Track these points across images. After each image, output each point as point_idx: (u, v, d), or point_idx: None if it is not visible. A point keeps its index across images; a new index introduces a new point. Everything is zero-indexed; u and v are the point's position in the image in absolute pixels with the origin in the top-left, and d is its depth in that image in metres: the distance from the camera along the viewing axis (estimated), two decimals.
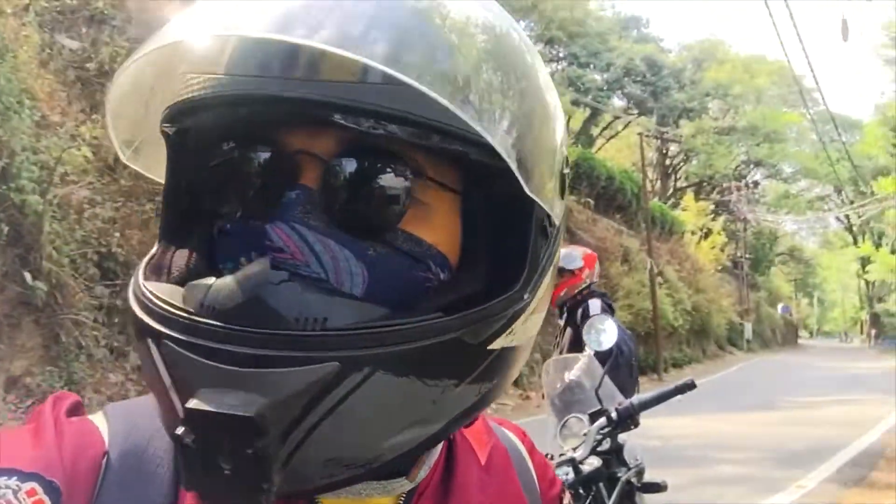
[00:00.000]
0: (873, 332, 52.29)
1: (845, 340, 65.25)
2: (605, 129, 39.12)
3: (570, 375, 2.71)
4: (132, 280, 0.56)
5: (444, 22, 0.53)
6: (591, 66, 37.51)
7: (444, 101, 0.48)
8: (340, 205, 0.53)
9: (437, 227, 0.56)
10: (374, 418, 0.51)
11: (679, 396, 2.52)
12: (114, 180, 7.90)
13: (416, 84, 0.47)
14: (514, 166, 0.51)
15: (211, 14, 0.53)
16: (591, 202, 21.32)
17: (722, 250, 33.47)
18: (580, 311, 3.99)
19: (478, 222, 0.57)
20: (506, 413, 11.54)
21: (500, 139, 0.51)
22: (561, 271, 4.23)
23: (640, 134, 26.26)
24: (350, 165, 0.53)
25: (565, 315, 4.32)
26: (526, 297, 0.56)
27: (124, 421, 0.58)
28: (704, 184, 43.96)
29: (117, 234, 7.41)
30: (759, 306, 43.01)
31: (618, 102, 40.57)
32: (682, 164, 44.22)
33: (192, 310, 0.50)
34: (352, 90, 0.50)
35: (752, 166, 48.18)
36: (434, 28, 0.52)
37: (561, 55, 36.96)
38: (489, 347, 0.54)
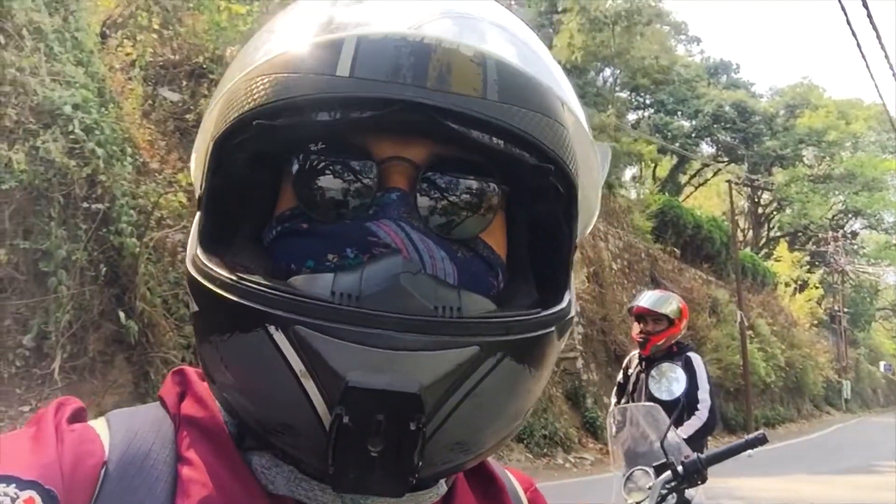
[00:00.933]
0: None
1: None
2: (693, 176, 38.39)
3: (636, 425, 2.65)
4: (201, 271, 0.56)
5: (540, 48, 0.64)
6: (679, 112, 37.05)
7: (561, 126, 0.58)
8: (435, 209, 0.57)
9: (499, 238, 0.61)
10: (499, 404, 0.55)
11: (750, 452, 2.42)
12: None
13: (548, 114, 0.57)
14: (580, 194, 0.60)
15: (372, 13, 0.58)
16: (678, 251, 20.83)
17: (818, 304, 32.01)
18: (679, 364, 3.88)
19: (522, 238, 0.63)
20: (584, 467, 11.27)
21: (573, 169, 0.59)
22: (659, 318, 4.13)
23: (728, 181, 25.62)
24: (446, 174, 0.57)
25: (642, 365, 4.21)
26: (572, 311, 0.61)
27: (126, 430, 0.58)
28: (799, 234, 42.35)
29: None
30: (858, 364, 40.82)
31: (706, 149, 39.83)
32: (774, 213, 42.81)
33: (326, 298, 0.51)
34: (476, 103, 0.54)
35: (849, 216, 46.15)
36: (543, 55, 0.63)
37: (647, 102, 36.71)
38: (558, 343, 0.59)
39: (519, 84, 0.56)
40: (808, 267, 34.47)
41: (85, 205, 6.65)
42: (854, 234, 46.28)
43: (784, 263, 31.77)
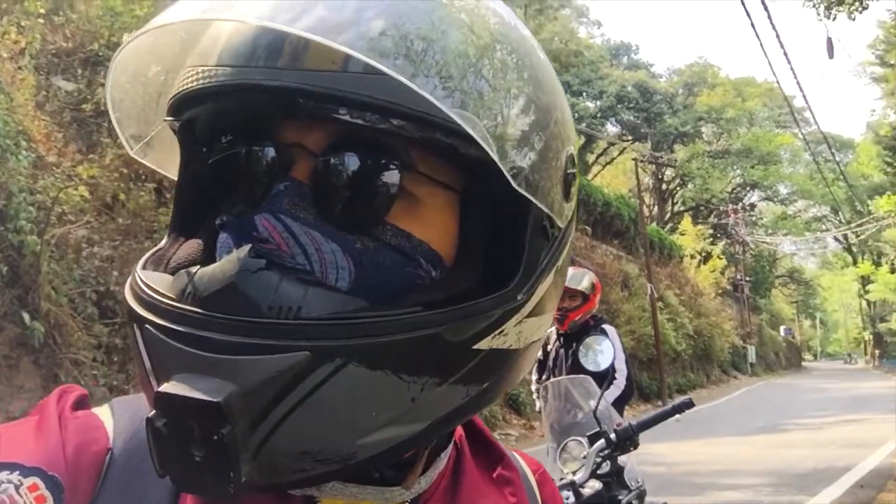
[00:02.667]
0: (877, 352, 52.10)
1: (849, 362, 64.80)
2: (600, 155, 39.35)
3: (567, 398, 2.70)
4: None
5: (437, 8, 0.52)
6: (584, 94, 37.87)
7: (418, 89, 0.47)
8: (329, 197, 0.53)
9: (428, 223, 0.55)
10: (346, 412, 0.50)
11: (678, 416, 2.51)
12: (111, 219, 7.92)
13: (391, 72, 0.47)
14: (495, 156, 0.50)
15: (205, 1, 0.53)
16: (589, 229, 21.33)
17: (722, 273, 33.44)
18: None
19: (473, 221, 0.56)
20: (510, 443, 11.46)
21: (478, 127, 0.49)
22: (575, 294, 4.22)
23: (634, 159, 26.38)
24: (338, 158, 0.53)
25: (560, 340, 4.30)
26: (520, 297, 0.55)
27: (130, 417, 0.57)
28: (701, 208, 44.12)
29: (115, 273, 7.41)
30: (761, 329, 42.91)
31: (612, 129, 40.89)
32: (678, 188, 44.40)
33: (174, 297, 0.51)
34: (332, 79, 0.50)
35: (747, 189, 48.41)
36: (424, 14, 0.51)
37: None
38: (475, 347, 0.53)
39: (399, 46, 0.49)
40: (711, 239, 35.90)
41: None
42: (752, 206, 48.49)
43: (688, 237, 32.98)
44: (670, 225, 39.87)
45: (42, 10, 8.44)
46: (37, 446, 0.52)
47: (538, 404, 4.56)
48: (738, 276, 39.02)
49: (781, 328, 52.95)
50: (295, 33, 0.47)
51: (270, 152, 0.54)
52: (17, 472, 0.50)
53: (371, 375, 0.49)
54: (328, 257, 0.52)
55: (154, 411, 0.47)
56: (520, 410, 12.72)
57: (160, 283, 0.53)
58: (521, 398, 12.57)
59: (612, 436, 2.47)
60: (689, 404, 2.52)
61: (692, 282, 29.32)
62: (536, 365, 4.59)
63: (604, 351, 2.80)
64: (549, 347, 4.46)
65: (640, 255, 23.52)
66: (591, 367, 2.76)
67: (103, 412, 0.58)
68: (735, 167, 44.67)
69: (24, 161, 6.81)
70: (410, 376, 0.51)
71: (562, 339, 4.34)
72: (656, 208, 42.40)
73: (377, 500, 0.58)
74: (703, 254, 32.55)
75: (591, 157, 38.32)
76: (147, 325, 0.50)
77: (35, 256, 6.56)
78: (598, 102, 38.31)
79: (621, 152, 38.34)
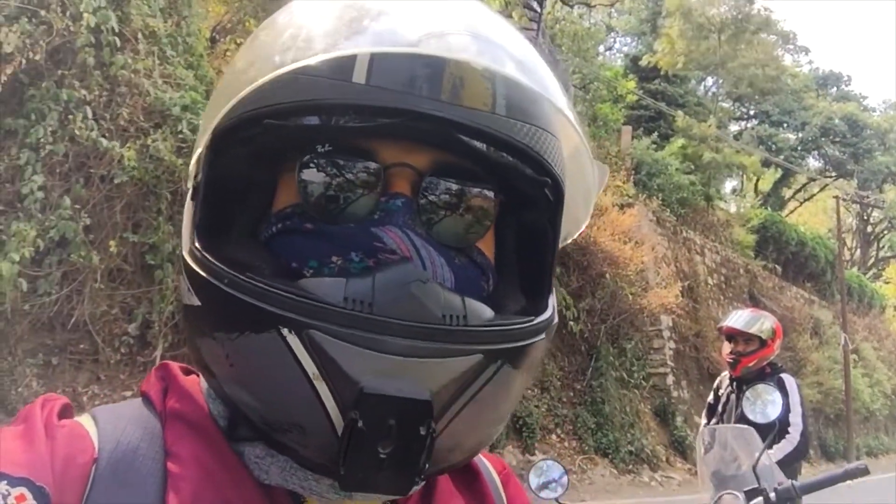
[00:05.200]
0: None
1: None
2: (798, 191, 36.79)
3: (728, 447, 2.54)
4: (204, 265, 0.56)
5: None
6: (784, 124, 35.59)
7: (578, 129, 0.61)
8: (436, 216, 0.59)
9: (489, 243, 0.63)
10: (496, 408, 0.57)
11: (850, 482, 2.29)
12: None
13: (570, 117, 0.59)
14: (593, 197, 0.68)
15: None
16: (779, 268, 20.00)
17: None
18: (772, 385, 3.73)
19: (509, 244, 0.65)
20: (671, 487, 10.96)
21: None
22: (750, 338, 3.98)
23: (836, 197, 24.44)
24: (448, 181, 0.59)
25: (732, 386, 4.06)
26: (556, 315, 0.64)
27: (113, 426, 0.58)
28: None
29: None
30: None
31: (813, 164, 38.12)
32: (885, 232, 40.54)
33: (337, 303, 0.52)
34: (486, 118, 0.57)
35: None
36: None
37: (751, 113, 35.45)
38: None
39: (524, 99, 0.59)
40: None
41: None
42: None
43: (894, 285, 30.00)
44: (873, 271, 36.47)
45: None
46: (24, 456, 0.53)
47: (702, 450, 4.33)
48: None
49: None
50: (513, 77, 0.56)
51: (374, 167, 0.57)
52: (5, 482, 0.50)
53: (515, 374, 0.57)
54: (439, 270, 0.57)
55: (355, 411, 0.50)
56: (685, 454, 12.11)
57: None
58: (687, 441, 11.97)
59: (772, 494, 2.29)
60: (864, 471, 2.28)
61: (894, 336, 26.63)
62: (706, 409, 4.36)
63: (774, 402, 2.60)
64: (721, 392, 4.21)
65: (836, 302, 21.71)
66: (756, 418, 2.57)
67: (86, 421, 0.59)
68: None
69: None
70: (530, 377, 0.60)
71: (734, 384, 4.08)
72: (859, 252, 38.95)
73: (366, 499, 0.59)
74: None
75: (787, 193, 35.96)
76: (314, 331, 0.51)
77: None
78: (800, 134, 35.82)
79: (822, 189, 35.63)
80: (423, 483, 0.57)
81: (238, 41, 8.87)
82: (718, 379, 4.41)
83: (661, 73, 23.96)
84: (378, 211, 0.57)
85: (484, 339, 0.54)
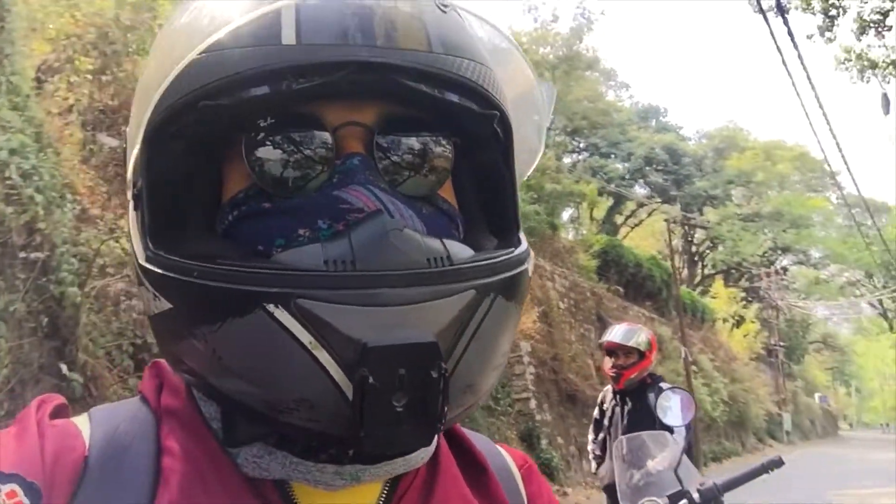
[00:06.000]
0: None
1: (887, 431, 62.75)
2: (628, 217, 39.23)
3: (642, 454, 2.55)
4: (167, 266, 0.55)
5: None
6: (613, 155, 37.96)
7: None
8: (395, 169, 0.58)
9: (449, 191, 0.62)
10: (496, 341, 0.57)
11: (765, 475, 2.35)
12: None
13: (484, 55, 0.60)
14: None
15: None
16: (621, 289, 21.11)
17: (754, 338, 32.79)
18: (653, 395, 3.84)
19: (467, 188, 0.64)
20: None
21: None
22: (630, 351, 4.11)
23: (666, 220, 26.23)
24: (400, 135, 0.58)
25: (616, 399, 4.16)
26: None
27: (107, 424, 0.58)
28: (732, 271, 43.51)
29: None
30: (796, 396, 41.84)
31: (640, 191, 40.82)
32: (707, 251, 43.98)
33: (316, 267, 0.51)
34: (426, 58, 0.55)
35: (779, 253, 47.77)
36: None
37: (581, 146, 37.53)
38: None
39: (455, 34, 0.58)
40: (743, 303, 35.28)
41: (23, 254, 6.33)
42: (784, 270, 47.79)
43: (721, 300, 32.51)
44: (700, 288, 39.33)
45: (91, 68, 8.69)
46: (15, 453, 0.53)
47: (594, 465, 4.39)
48: (772, 341, 38.18)
49: (816, 395, 51.63)
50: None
51: (325, 131, 0.56)
52: None
53: (509, 307, 0.57)
54: (409, 223, 0.55)
55: (363, 368, 0.48)
56: (552, 475, 12.35)
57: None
58: (553, 462, 12.22)
59: (696, 495, 2.30)
60: (780, 462, 2.36)
61: (725, 346, 28.78)
62: (592, 424, 4.44)
63: (676, 406, 2.67)
64: (606, 406, 4.33)
65: (674, 318, 23.16)
66: (674, 423, 2.62)
67: (82, 420, 0.59)
68: (766, 230, 44.20)
69: (69, 213, 6.90)
70: (519, 306, 0.59)
71: (618, 397, 4.20)
72: (686, 271, 41.94)
73: (349, 482, 0.58)
74: (736, 318, 32.00)
75: (619, 219, 38.23)
76: (300, 300, 0.49)
77: (75, 308, 6.58)
78: (627, 164, 38.34)
79: (650, 214, 38.21)
80: (442, 430, 0.56)
81: (70, 79, 8.31)
82: (601, 394, 4.53)
83: None
84: (335, 174, 0.56)
85: (473, 275, 0.54)
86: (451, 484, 0.65)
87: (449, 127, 0.60)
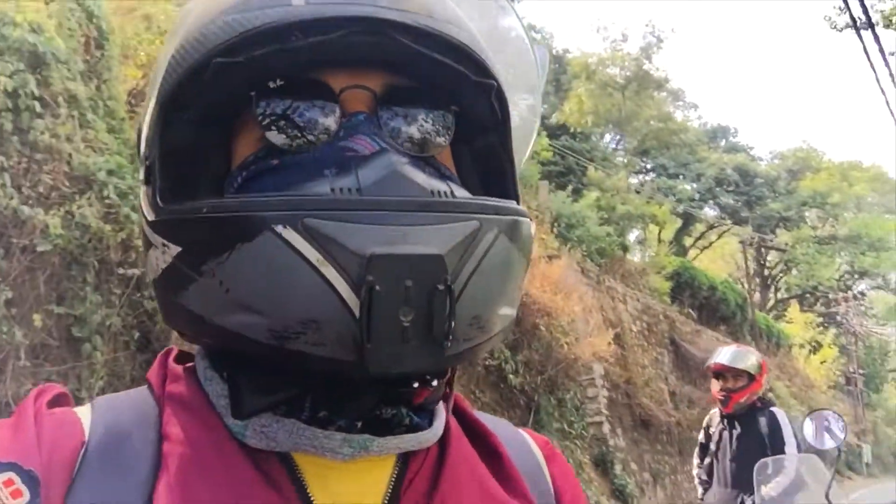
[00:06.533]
0: None
1: None
2: (698, 239, 38.43)
3: (766, 480, 2.46)
4: (175, 212, 0.57)
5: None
6: (681, 176, 37.31)
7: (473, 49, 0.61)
8: (398, 134, 0.59)
9: (449, 161, 0.64)
10: (501, 278, 0.57)
11: None
12: None
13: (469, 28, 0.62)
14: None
15: None
16: (694, 313, 20.65)
17: (832, 365, 31.58)
18: (763, 419, 3.74)
19: (466, 162, 0.66)
20: None
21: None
22: (739, 374, 3.99)
23: (741, 242, 25.62)
24: (402, 102, 0.60)
25: (724, 423, 4.05)
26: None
27: (109, 413, 0.59)
28: (807, 295, 42.12)
29: None
30: (876, 427, 40.05)
31: (710, 212, 39.98)
32: (781, 274, 42.69)
33: (323, 193, 0.53)
34: (426, 20, 0.58)
35: (856, 276, 46.04)
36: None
37: (648, 167, 37.02)
38: None
39: (455, 13, 0.61)
40: (820, 328, 34.07)
41: (120, 270, 6.56)
42: (862, 295, 46.03)
43: (796, 325, 31.47)
44: (773, 312, 38.17)
45: None
46: (12, 442, 0.54)
47: (700, 490, 4.28)
48: (851, 369, 36.71)
49: None
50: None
51: (332, 93, 0.58)
52: None
53: (511, 247, 0.58)
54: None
55: (370, 276, 0.49)
56: (626, 502, 12.09)
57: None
58: (627, 489, 11.97)
59: None
60: None
61: (802, 373, 27.79)
62: (698, 448, 4.33)
63: (837, 425, 2.57)
64: (712, 430, 4.20)
65: (748, 343, 22.52)
66: (823, 445, 2.52)
67: (83, 409, 0.60)
68: (843, 253, 42.69)
69: None
70: (524, 257, 0.60)
71: (725, 421, 4.07)
72: (758, 295, 40.81)
73: (357, 451, 0.57)
74: (813, 343, 30.90)
75: (688, 241, 37.49)
76: (308, 219, 0.50)
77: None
78: (696, 185, 37.62)
79: (720, 236, 37.36)
80: (451, 364, 0.59)
81: None
82: (708, 417, 4.40)
83: (569, 130, 24.88)
84: (341, 129, 0.58)
85: (476, 209, 0.55)
86: (463, 464, 0.64)
87: (448, 97, 0.62)
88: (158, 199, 0.58)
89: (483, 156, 0.67)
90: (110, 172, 6.65)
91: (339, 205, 0.51)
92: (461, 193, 0.58)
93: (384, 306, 0.49)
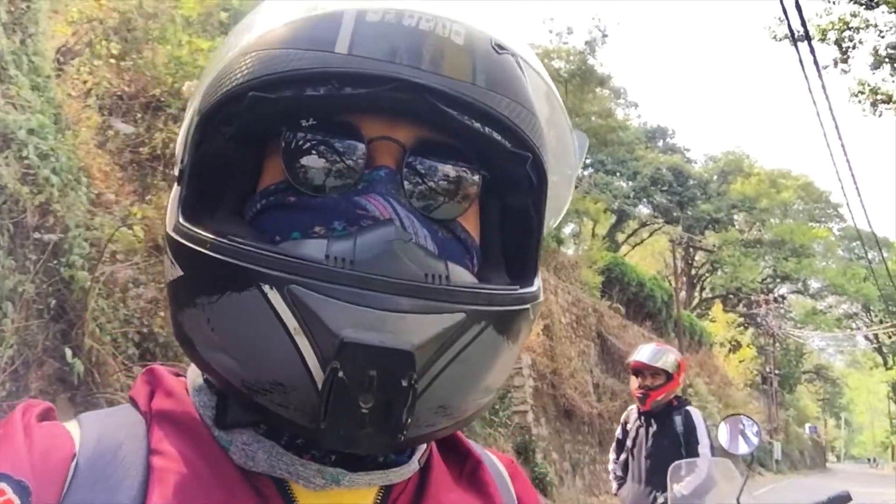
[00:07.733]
0: None
1: (875, 466, 62.60)
2: (630, 235, 39.22)
3: (678, 479, 2.49)
4: (187, 236, 0.57)
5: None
6: (618, 173, 37.96)
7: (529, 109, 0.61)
8: (419, 190, 0.59)
9: (473, 224, 0.63)
10: (480, 371, 0.56)
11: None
12: (159, 261, 7.89)
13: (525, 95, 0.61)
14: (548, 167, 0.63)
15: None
16: (622, 308, 21.06)
17: (750, 364, 32.72)
18: (679, 418, 3.79)
19: (493, 225, 0.65)
20: None
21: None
22: (657, 372, 4.04)
23: (671, 240, 26.23)
24: (431, 157, 0.59)
25: (641, 420, 4.10)
26: (541, 294, 0.64)
27: (96, 427, 0.59)
28: (731, 296, 43.49)
29: (160, 315, 7.34)
30: (787, 425, 41.75)
31: (644, 210, 40.83)
32: (707, 274, 43.95)
33: (318, 260, 0.52)
34: (466, 87, 0.56)
35: (778, 280, 47.75)
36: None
37: (587, 162, 37.54)
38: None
39: (503, 73, 0.59)
40: (740, 328, 35.23)
41: (36, 235, 6.27)
42: (783, 298, 47.76)
43: (719, 324, 32.47)
44: (697, 311, 39.29)
45: (115, 52, 8.67)
46: (3, 454, 0.53)
47: (614, 486, 4.33)
48: (768, 369, 38.10)
49: (806, 426, 51.57)
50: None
51: (357, 140, 0.58)
52: None
53: (499, 340, 0.57)
54: (423, 241, 0.57)
55: (336, 361, 0.49)
56: (546, 490, 12.28)
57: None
58: (547, 477, 12.14)
59: None
60: (847, 498, 2.29)
61: (721, 370, 28.70)
62: (615, 444, 4.38)
63: (751, 430, 2.61)
64: (629, 426, 4.25)
65: (672, 339, 23.11)
66: (739, 451, 2.56)
67: (70, 424, 0.60)
68: (767, 257, 44.19)
69: (84, 197, 6.85)
70: (514, 345, 0.59)
71: (643, 418, 4.13)
72: (685, 293, 41.92)
73: (352, 484, 0.58)
74: (733, 342, 31.93)
75: (621, 237, 38.20)
76: (294, 286, 0.51)
77: (83, 292, 6.52)
78: (632, 183, 38.35)
79: (652, 234, 38.22)
80: (407, 447, 0.59)
81: (95, 64, 8.27)
82: (626, 413, 4.46)
83: None
84: (361, 182, 0.57)
85: (466, 298, 0.54)
86: (443, 489, 0.65)
87: (479, 159, 0.61)
88: (180, 214, 0.59)
89: (511, 217, 0.66)
90: (31, 132, 6.33)
91: (328, 276, 0.51)
92: (458, 278, 0.56)
93: (345, 392, 0.50)
